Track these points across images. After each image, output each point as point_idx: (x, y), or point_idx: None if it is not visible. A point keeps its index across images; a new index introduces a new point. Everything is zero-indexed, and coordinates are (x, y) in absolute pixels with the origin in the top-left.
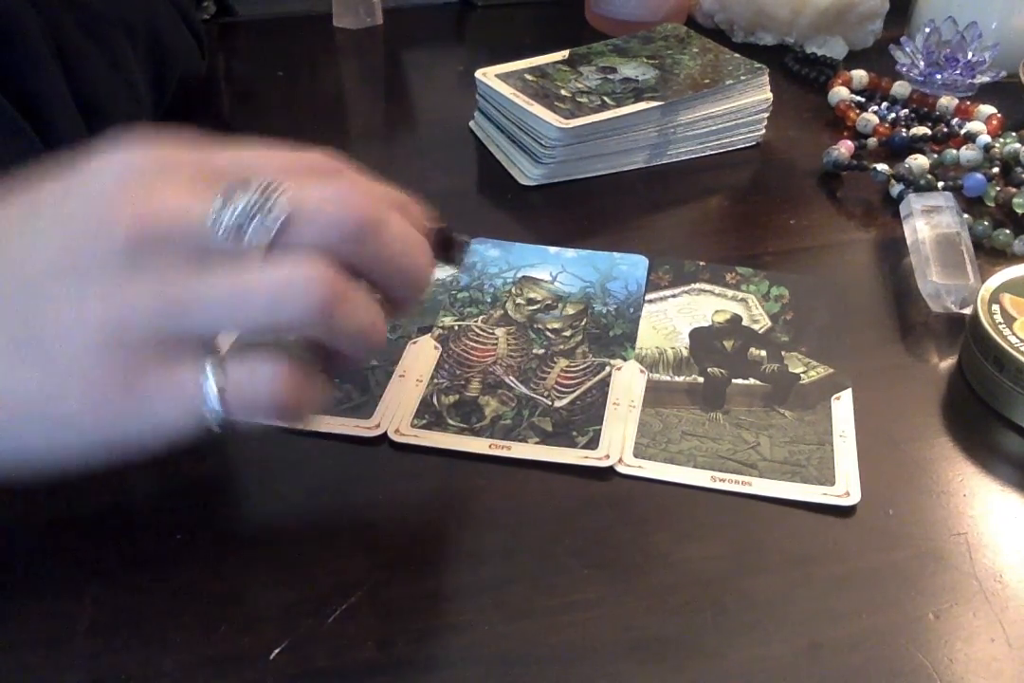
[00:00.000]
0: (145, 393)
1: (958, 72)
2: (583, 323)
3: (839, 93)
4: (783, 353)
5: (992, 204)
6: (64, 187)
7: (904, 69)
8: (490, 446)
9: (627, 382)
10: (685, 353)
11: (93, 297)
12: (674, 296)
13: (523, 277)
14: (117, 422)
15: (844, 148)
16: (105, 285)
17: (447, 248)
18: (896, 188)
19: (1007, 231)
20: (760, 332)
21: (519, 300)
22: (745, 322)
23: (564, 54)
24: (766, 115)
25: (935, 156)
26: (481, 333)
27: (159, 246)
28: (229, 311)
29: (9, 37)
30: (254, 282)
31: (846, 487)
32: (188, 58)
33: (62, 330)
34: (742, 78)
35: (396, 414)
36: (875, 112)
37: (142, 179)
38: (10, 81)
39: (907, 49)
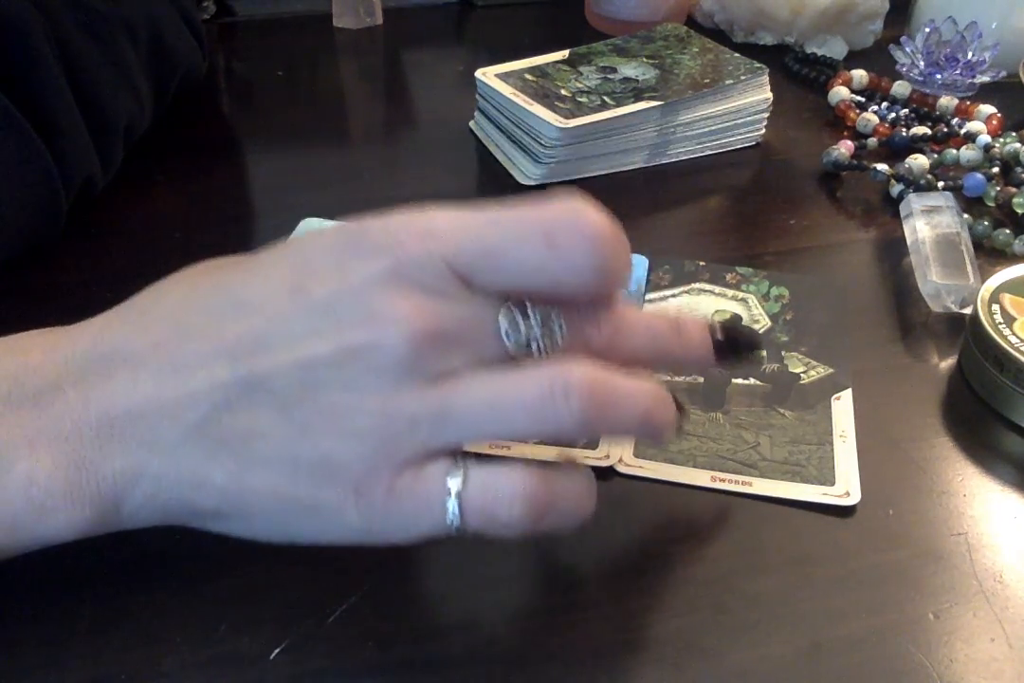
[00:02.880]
0: (399, 503)
1: (958, 72)
2: None
3: (839, 93)
4: (783, 353)
5: (992, 204)
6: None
7: (904, 69)
8: (489, 446)
9: None
10: None
11: (369, 407)
12: (674, 296)
13: None
14: (375, 518)
15: (844, 148)
16: (380, 394)
17: (733, 348)
18: (896, 188)
19: (1007, 231)
20: (760, 332)
21: None
22: (745, 322)
23: (564, 54)
24: (766, 115)
25: (935, 156)
26: None
27: (446, 355)
28: (492, 423)
29: (11, 37)
30: (515, 388)
31: (846, 487)
32: (189, 58)
33: (338, 429)
34: (742, 78)
35: None
36: (875, 112)
37: (401, 281)
38: (11, 81)
39: (907, 49)
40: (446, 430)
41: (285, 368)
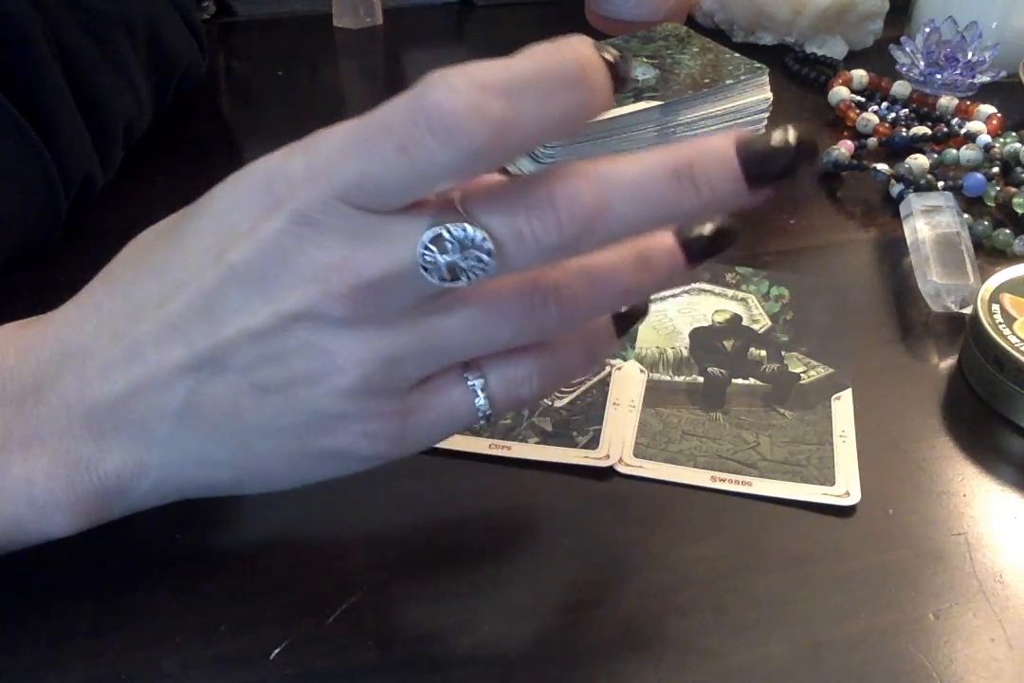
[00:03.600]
0: (418, 420)
1: (958, 72)
2: None
3: (839, 93)
4: (783, 353)
5: (992, 204)
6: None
7: (904, 69)
8: (490, 446)
9: (627, 382)
10: (685, 353)
11: (340, 363)
12: (674, 296)
13: None
14: (395, 442)
15: (844, 148)
16: (343, 350)
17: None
18: (896, 188)
19: (1007, 231)
20: (760, 332)
21: None
22: (745, 322)
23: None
24: (766, 115)
25: (935, 156)
26: None
27: (380, 302)
28: (478, 340)
29: (10, 37)
30: (492, 309)
31: (846, 487)
32: (188, 58)
33: (321, 391)
34: (742, 78)
35: None
36: (875, 112)
37: (308, 231)
38: (11, 81)
39: (907, 49)
40: (433, 360)
41: (236, 343)
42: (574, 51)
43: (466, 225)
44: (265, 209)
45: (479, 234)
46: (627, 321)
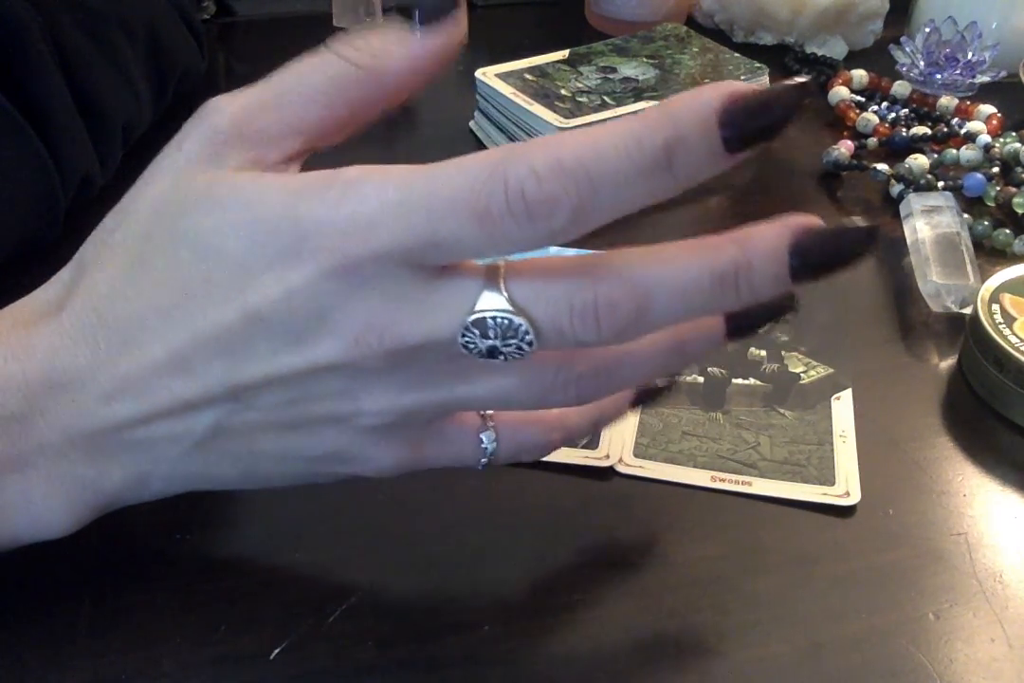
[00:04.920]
0: (427, 455)
1: (958, 72)
2: None
3: (839, 93)
4: (783, 353)
5: (992, 204)
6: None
7: (904, 69)
8: None
9: None
10: None
11: (366, 408)
12: None
13: None
14: (401, 472)
15: (844, 148)
16: (370, 398)
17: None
18: (896, 188)
19: (1007, 231)
20: (760, 332)
21: None
22: None
23: (564, 54)
24: None
25: (935, 156)
26: None
27: (414, 363)
28: (500, 404)
29: (8, 36)
30: (519, 383)
31: (846, 487)
32: (187, 57)
33: (343, 430)
34: (742, 78)
35: None
36: (875, 112)
37: (349, 286)
38: (10, 81)
39: (907, 49)
40: (454, 411)
41: (262, 385)
42: (667, 130)
43: (512, 317)
44: (296, 258)
45: (523, 325)
46: (650, 398)
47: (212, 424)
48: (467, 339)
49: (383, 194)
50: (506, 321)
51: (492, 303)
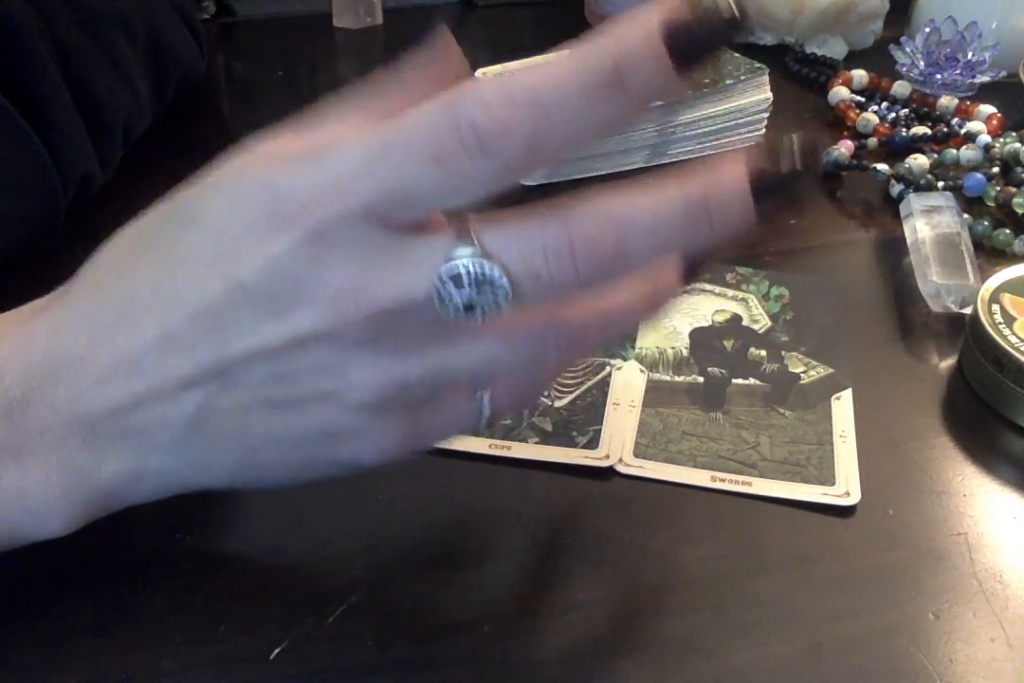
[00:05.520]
0: (424, 428)
1: (958, 72)
2: None
3: (839, 93)
4: (783, 353)
5: (992, 204)
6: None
7: (904, 69)
8: (490, 446)
9: (627, 382)
10: (685, 353)
11: (354, 382)
12: None
13: None
14: (401, 453)
15: (844, 148)
16: (359, 369)
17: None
18: (896, 188)
19: (1007, 231)
20: (760, 332)
21: None
22: (745, 322)
23: (564, 54)
24: (766, 115)
25: (935, 156)
26: None
27: (393, 328)
28: (488, 368)
29: (8, 36)
30: (503, 343)
31: (846, 487)
32: (187, 57)
33: (333, 407)
34: (742, 78)
35: None
36: (875, 112)
37: (322, 252)
38: (9, 80)
39: (907, 49)
40: (443, 382)
41: (247, 361)
42: (612, 48)
43: (484, 262)
44: (273, 225)
45: (496, 273)
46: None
47: (201, 403)
48: (441, 291)
49: (347, 153)
50: (479, 268)
51: (463, 252)
